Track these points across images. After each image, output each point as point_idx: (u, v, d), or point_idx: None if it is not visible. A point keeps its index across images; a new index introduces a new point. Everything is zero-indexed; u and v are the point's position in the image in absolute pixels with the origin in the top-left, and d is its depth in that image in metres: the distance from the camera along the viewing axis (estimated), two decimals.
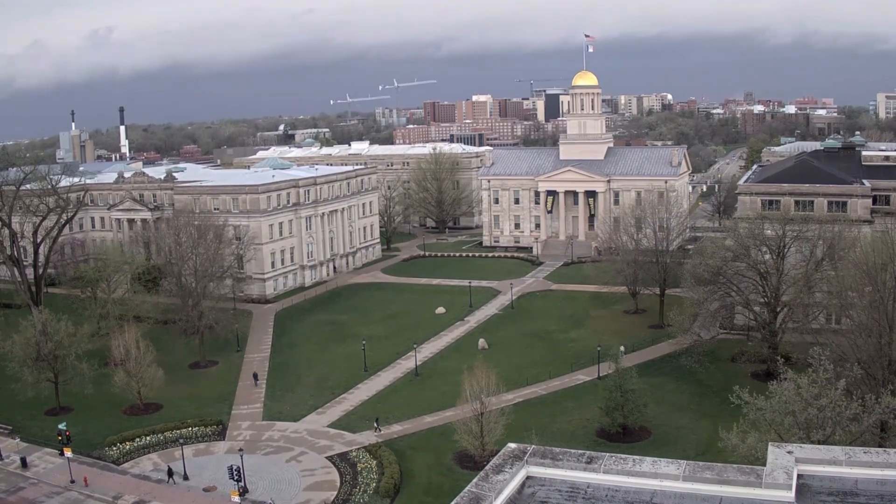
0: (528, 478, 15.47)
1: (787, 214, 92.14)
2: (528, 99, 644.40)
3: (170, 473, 67.41)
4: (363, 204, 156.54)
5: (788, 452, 15.11)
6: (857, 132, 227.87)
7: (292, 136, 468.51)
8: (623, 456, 15.67)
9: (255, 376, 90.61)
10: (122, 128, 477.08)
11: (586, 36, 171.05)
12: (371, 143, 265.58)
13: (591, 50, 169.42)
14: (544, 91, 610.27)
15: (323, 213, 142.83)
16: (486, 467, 15.37)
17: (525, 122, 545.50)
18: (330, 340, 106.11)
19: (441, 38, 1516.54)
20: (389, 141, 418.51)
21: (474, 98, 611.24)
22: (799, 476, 14.50)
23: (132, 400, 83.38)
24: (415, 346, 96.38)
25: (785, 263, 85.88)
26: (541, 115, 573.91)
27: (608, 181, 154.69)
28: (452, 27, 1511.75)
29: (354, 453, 71.41)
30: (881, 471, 14.71)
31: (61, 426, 71.07)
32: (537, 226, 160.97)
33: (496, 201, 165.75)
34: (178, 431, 75.91)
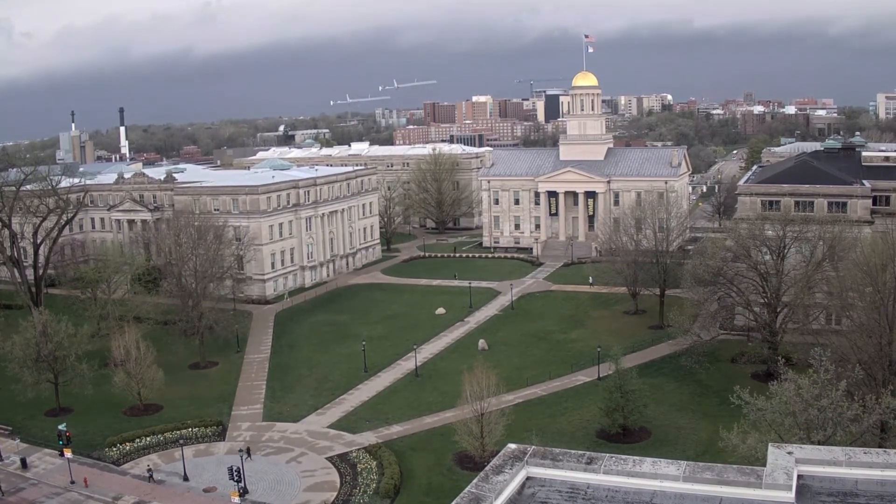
0: (528, 478, 15.48)
1: (788, 215, 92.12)
2: (528, 99, 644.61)
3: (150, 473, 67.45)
4: (363, 205, 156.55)
5: (788, 453, 15.11)
6: (857, 132, 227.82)
7: (292, 137, 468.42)
8: (623, 457, 15.68)
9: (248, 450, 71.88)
10: (122, 128, 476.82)
11: (586, 36, 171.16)
12: (371, 144, 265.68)
13: (591, 50, 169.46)
14: (544, 91, 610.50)
15: (323, 214, 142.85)
16: (487, 468, 15.38)
17: (525, 123, 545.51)
18: (330, 341, 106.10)
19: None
20: (389, 141, 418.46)
21: (474, 99, 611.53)
22: (799, 477, 14.51)
23: (132, 401, 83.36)
24: (415, 346, 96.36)
25: (785, 264, 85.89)
26: (541, 116, 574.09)
27: (608, 182, 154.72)
28: None
29: (354, 454, 71.41)
30: (881, 471, 14.71)
31: (61, 427, 71.05)
32: (537, 226, 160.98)
33: (496, 202, 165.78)
34: (178, 432, 75.84)
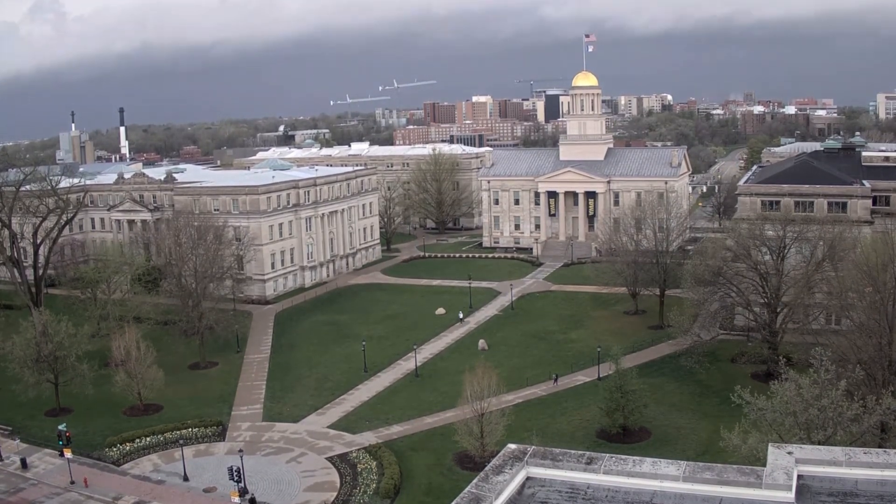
0: (528, 478, 15.48)
1: (788, 215, 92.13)
2: (528, 99, 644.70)
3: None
4: (363, 205, 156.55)
5: (788, 453, 15.11)
6: (857, 133, 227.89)
7: (292, 137, 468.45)
8: (623, 457, 15.68)
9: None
10: (122, 128, 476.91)
11: (586, 36, 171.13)
12: (371, 144, 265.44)
13: (591, 50, 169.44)
14: (544, 92, 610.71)
15: (323, 214, 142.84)
16: (487, 468, 15.38)
17: (525, 123, 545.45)
18: (330, 341, 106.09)
19: None
20: (389, 142, 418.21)
21: (474, 99, 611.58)
22: (799, 477, 14.50)
23: (132, 401, 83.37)
24: (415, 346, 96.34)
25: (785, 264, 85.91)
26: (541, 116, 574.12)
27: (608, 182, 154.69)
28: None
29: (354, 454, 71.40)
30: (881, 471, 14.71)
31: (61, 427, 71.01)
32: (537, 227, 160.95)
33: (496, 202, 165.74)
34: (178, 432, 75.83)
